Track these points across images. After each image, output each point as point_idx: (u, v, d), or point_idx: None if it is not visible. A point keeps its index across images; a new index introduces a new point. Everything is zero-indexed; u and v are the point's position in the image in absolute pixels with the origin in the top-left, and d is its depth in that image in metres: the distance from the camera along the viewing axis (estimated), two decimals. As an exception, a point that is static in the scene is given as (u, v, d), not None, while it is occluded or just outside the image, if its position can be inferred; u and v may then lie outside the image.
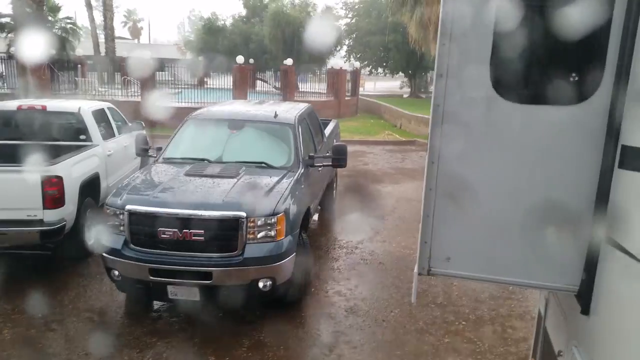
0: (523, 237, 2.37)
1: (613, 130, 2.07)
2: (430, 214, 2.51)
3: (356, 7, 38.20)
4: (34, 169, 5.63)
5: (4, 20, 24.34)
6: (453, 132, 2.41)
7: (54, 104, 7.91)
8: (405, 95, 36.46)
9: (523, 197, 2.36)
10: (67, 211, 5.88)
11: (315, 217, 8.14)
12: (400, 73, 39.29)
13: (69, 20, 29.62)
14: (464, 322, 5.23)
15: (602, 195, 2.12)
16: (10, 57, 21.61)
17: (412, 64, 33.89)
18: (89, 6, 31.74)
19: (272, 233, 4.78)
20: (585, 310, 2.17)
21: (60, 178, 5.71)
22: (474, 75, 2.33)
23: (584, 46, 2.13)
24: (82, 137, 7.28)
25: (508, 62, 2.27)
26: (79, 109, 7.42)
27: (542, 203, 2.32)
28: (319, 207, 8.05)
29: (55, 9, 28.58)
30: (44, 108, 7.42)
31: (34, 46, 19.21)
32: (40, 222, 5.63)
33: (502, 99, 2.29)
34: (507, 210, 2.39)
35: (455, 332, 5.04)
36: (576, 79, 2.23)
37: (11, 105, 7.56)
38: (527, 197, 2.35)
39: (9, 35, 24.25)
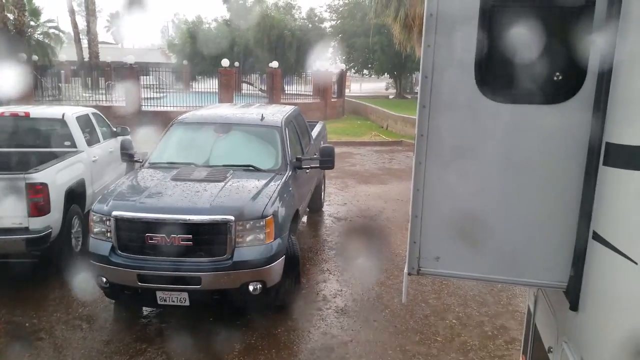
0: (511, 235, 2.39)
1: (597, 128, 2.10)
2: (418, 214, 2.52)
3: (340, 9, 38.29)
4: (18, 176, 5.57)
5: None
6: (439, 133, 2.43)
7: (38, 110, 7.82)
8: (391, 97, 36.60)
9: (510, 195, 2.38)
10: (53, 218, 5.81)
11: (304, 219, 8.15)
12: (386, 74, 39.44)
13: (51, 24, 29.34)
14: (454, 321, 5.26)
15: (588, 192, 2.15)
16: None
17: (397, 65, 34.04)
18: (71, 11, 31.43)
19: (261, 236, 4.77)
20: (574, 307, 2.19)
21: (45, 185, 5.65)
22: (459, 75, 2.34)
23: (567, 45, 2.16)
24: (67, 143, 7.20)
25: (492, 62, 2.30)
26: (63, 115, 7.35)
27: (529, 201, 2.34)
28: (308, 209, 8.04)
29: (37, 13, 28.28)
30: (27, 114, 7.33)
31: (16, 52, 19.04)
32: (26, 229, 5.57)
33: (486, 99, 2.31)
34: (495, 209, 2.41)
35: (447, 331, 5.06)
36: (560, 78, 2.25)
37: (-3, 111, 7.47)
38: (514, 195, 2.37)
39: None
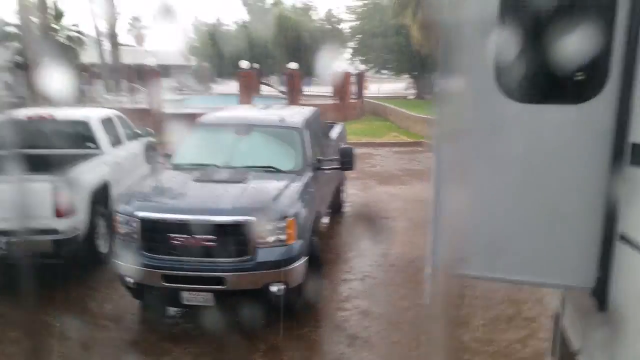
0: (536, 236, 2.38)
1: (622, 128, 2.08)
2: (439, 214, 2.52)
3: (359, 10, 38.27)
4: (44, 178, 5.68)
5: (10, 29, 24.62)
6: (460, 133, 2.42)
7: (62, 113, 7.96)
8: (410, 97, 36.43)
9: (534, 196, 2.37)
10: (79, 219, 5.92)
11: (325, 220, 8.16)
12: (405, 75, 39.26)
13: (74, 28, 29.85)
14: (480, 322, 5.20)
15: (614, 193, 2.13)
16: (17, 66, 21.88)
17: (416, 65, 33.87)
18: (93, 14, 31.94)
19: (283, 237, 4.80)
20: (602, 308, 2.18)
21: (70, 186, 5.76)
22: (479, 75, 2.34)
23: (590, 44, 2.14)
24: (91, 145, 7.32)
25: (512, 61, 2.28)
26: (87, 117, 7.48)
27: (553, 201, 2.33)
28: (329, 210, 8.06)
29: (59, 16, 28.79)
30: (52, 117, 7.47)
31: (40, 55, 19.43)
32: (53, 231, 5.67)
33: (507, 99, 2.30)
34: (519, 210, 2.40)
35: (472, 332, 5.02)
36: (582, 77, 2.24)
37: (20, 114, 7.61)
38: (538, 196, 2.36)
39: (15, 44, 24.53)
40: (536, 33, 2.20)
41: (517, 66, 2.29)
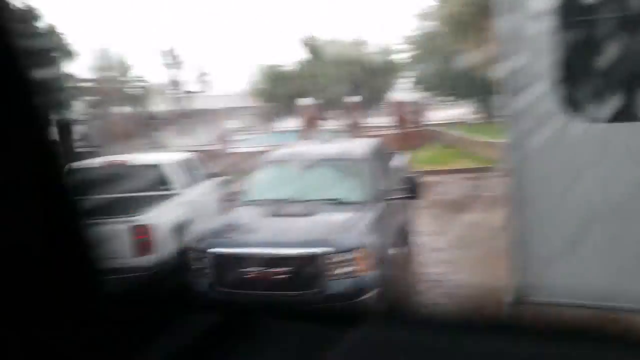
0: (625, 259, 2.25)
1: None
2: (518, 239, 2.44)
3: (417, 39, 38.38)
4: (124, 219, 5.99)
5: (85, 84, 26.67)
6: (532, 157, 2.36)
7: (138, 158, 8.41)
8: (475, 121, 35.74)
9: (616, 215, 2.25)
10: (157, 257, 6.16)
11: (395, 250, 8.05)
12: (468, 99, 38.68)
13: (142, 80, 31.85)
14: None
15: None
16: (93, 117, 23.61)
17: (480, 89, 33.31)
18: (162, 64, 33.89)
19: (354, 268, 4.78)
20: None
21: (149, 226, 6.04)
22: (545, 96, 2.28)
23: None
24: (165, 186, 7.66)
25: (580, 82, 2.22)
26: (162, 161, 7.86)
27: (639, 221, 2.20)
28: (397, 241, 7.96)
29: (128, 69, 30.92)
30: (128, 163, 7.90)
31: (114, 106, 20.86)
32: (133, 269, 5.93)
33: (578, 119, 2.23)
34: (603, 232, 2.28)
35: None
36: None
37: (99, 161, 8.10)
38: (621, 215, 2.24)
39: (91, 98, 26.50)
40: (602, 54, 2.14)
41: (585, 86, 2.22)
